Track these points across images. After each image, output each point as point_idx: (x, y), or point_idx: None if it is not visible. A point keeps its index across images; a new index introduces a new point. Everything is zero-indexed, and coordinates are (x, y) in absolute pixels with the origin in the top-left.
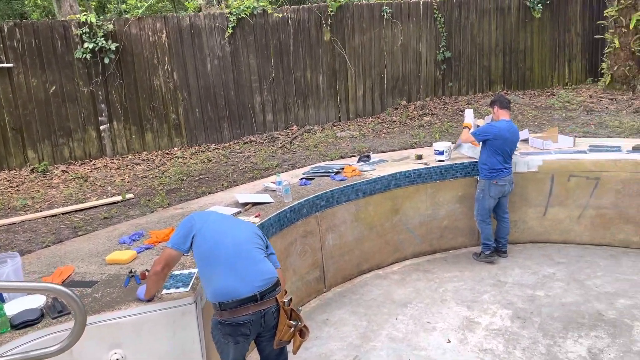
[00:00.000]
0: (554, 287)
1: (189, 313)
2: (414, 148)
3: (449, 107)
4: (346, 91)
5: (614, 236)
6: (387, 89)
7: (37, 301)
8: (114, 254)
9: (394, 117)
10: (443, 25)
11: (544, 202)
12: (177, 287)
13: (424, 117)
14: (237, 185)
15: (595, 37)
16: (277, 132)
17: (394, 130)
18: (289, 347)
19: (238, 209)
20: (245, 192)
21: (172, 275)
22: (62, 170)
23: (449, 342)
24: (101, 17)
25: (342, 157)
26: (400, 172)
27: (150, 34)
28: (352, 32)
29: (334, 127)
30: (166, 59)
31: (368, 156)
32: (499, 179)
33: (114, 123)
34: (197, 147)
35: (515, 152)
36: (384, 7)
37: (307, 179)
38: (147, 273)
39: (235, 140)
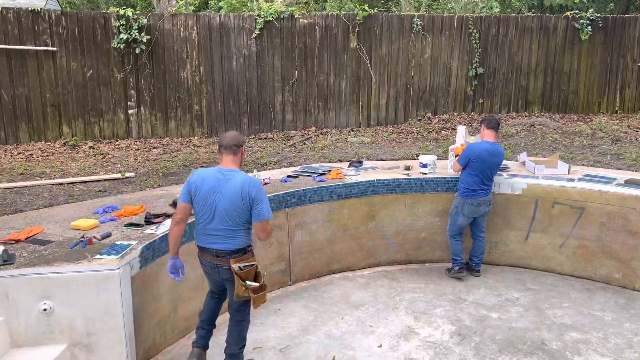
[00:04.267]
0: (511, 311)
1: (112, 278)
2: (414, 159)
3: (474, 124)
4: (369, 98)
5: (596, 270)
6: (412, 99)
7: None
8: (79, 220)
9: (414, 128)
10: (478, 41)
11: (526, 226)
12: (109, 255)
13: (443, 131)
14: None
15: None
16: (294, 132)
17: (407, 141)
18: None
19: None
20: None
21: (113, 244)
22: (89, 146)
23: (380, 346)
24: (137, 11)
25: (340, 161)
26: (379, 180)
27: (181, 29)
28: (379, 41)
29: (351, 132)
30: (194, 54)
31: (360, 162)
32: (474, 199)
33: (142, 108)
34: (215, 138)
35: (502, 173)
36: (415, 19)
37: (290, 176)
38: (93, 239)
39: (253, 136)
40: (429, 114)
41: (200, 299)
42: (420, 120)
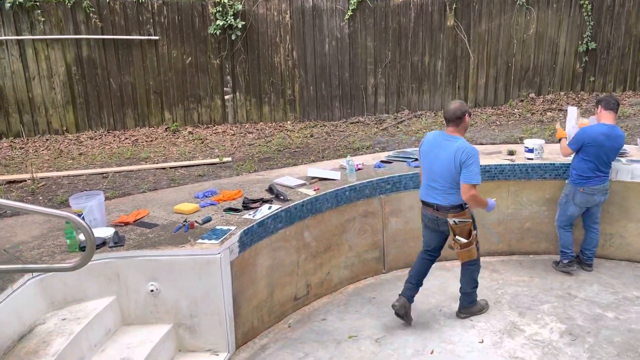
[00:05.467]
0: (630, 311)
1: (213, 263)
2: (517, 143)
3: (583, 104)
4: (466, 79)
5: None
6: (513, 79)
7: (107, 233)
8: (181, 205)
9: (516, 110)
10: (590, 13)
11: None
12: (210, 239)
13: (548, 112)
14: (323, 160)
15: None
16: (386, 115)
17: (508, 123)
18: None
19: (303, 182)
20: (324, 168)
21: (213, 228)
22: (188, 132)
23: (482, 342)
24: None
25: None
26: (480, 166)
27: (275, 14)
28: (478, 17)
29: None
30: (288, 38)
31: None
32: (587, 187)
33: (237, 94)
34: (307, 123)
35: (620, 159)
36: None
37: (384, 162)
38: (195, 224)
39: (344, 120)
40: (532, 94)
41: (296, 284)
42: (522, 101)
